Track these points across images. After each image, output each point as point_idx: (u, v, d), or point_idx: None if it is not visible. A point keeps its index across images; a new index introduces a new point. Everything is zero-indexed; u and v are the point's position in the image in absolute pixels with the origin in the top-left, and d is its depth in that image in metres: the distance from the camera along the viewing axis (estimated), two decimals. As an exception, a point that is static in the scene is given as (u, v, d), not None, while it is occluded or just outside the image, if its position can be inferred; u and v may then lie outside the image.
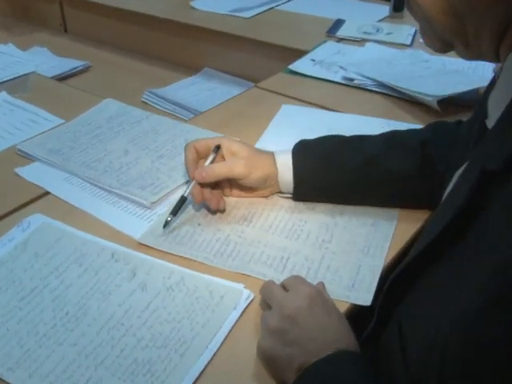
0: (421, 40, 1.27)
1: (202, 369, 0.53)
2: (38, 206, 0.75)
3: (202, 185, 0.70)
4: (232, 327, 0.57)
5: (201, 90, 1.34)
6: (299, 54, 1.20)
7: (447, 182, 0.56)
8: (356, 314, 0.59)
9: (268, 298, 0.57)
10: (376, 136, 0.75)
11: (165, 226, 0.68)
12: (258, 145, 0.83)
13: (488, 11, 0.43)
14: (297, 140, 0.75)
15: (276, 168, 0.72)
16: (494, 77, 0.53)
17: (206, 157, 0.73)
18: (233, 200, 0.75)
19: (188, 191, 0.70)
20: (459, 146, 0.63)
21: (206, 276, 0.63)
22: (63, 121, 0.96)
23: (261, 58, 1.30)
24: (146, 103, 1.22)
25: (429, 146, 0.72)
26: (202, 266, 0.65)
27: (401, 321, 0.48)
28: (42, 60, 1.29)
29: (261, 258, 0.66)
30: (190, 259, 0.66)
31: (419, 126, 0.83)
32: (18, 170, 0.82)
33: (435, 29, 0.48)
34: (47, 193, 0.78)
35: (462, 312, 0.39)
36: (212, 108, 1.03)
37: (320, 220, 0.72)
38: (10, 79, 1.13)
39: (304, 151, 0.73)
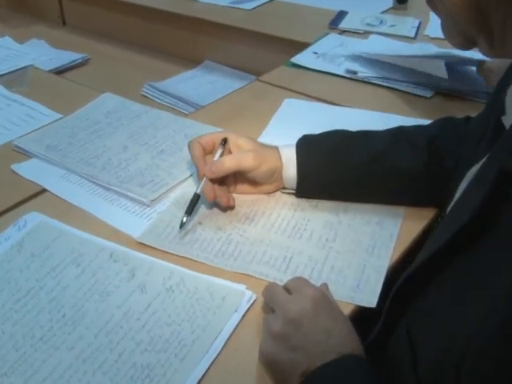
0: (425, 32, 1.26)
1: (202, 373, 0.52)
2: (35, 203, 0.74)
3: (213, 181, 0.69)
4: (233, 330, 0.56)
5: (201, 83, 1.32)
6: (301, 46, 1.18)
7: (458, 180, 0.54)
8: (360, 317, 0.58)
9: (271, 301, 0.56)
10: (382, 131, 0.74)
11: (181, 227, 0.66)
12: (261, 140, 0.81)
13: None
14: (300, 135, 0.73)
15: (281, 162, 0.70)
16: (508, 71, 0.51)
17: (211, 152, 0.72)
18: (234, 198, 0.73)
19: (200, 189, 0.68)
20: (469, 142, 0.62)
21: (207, 276, 0.62)
22: (61, 115, 0.94)
23: (262, 51, 1.28)
24: (146, 97, 1.21)
25: (436, 141, 0.71)
26: (203, 266, 0.63)
27: (410, 328, 0.47)
28: (39, 53, 1.27)
29: (263, 257, 0.64)
30: (191, 259, 0.64)
31: (425, 121, 0.81)
32: (15, 167, 0.80)
33: (458, 23, 0.46)
34: (44, 190, 0.76)
35: (479, 325, 0.37)
36: (213, 102, 1.01)
37: (324, 218, 0.71)
38: (7, 73, 1.12)
39: (308, 146, 0.72)
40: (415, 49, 1.15)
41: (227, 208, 0.70)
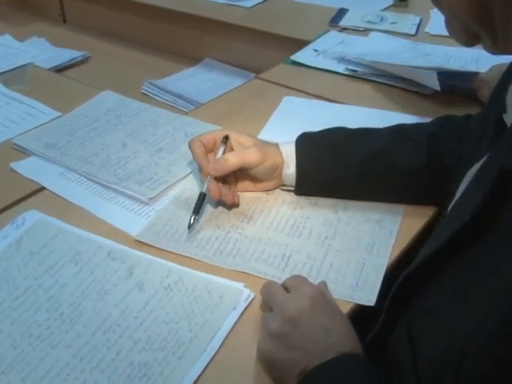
0: (425, 30, 1.25)
1: (200, 372, 0.52)
2: (34, 201, 0.73)
3: (216, 180, 0.69)
4: (231, 328, 0.56)
5: (202, 80, 1.32)
6: (301, 44, 1.18)
7: (459, 179, 0.54)
8: (359, 316, 0.58)
9: (269, 299, 0.56)
10: (382, 129, 0.74)
11: (189, 227, 0.66)
12: (260, 137, 0.81)
13: None
14: (299, 132, 0.73)
15: (282, 158, 0.70)
16: (510, 69, 0.50)
17: (212, 151, 0.72)
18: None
19: (205, 187, 0.68)
20: (470, 140, 0.61)
21: (205, 275, 0.62)
22: (60, 114, 0.94)
23: (262, 48, 1.27)
24: (146, 95, 1.21)
25: (436, 140, 0.70)
26: (201, 265, 0.63)
27: (410, 327, 0.46)
28: (39, 51, 1.26)
29: (262, 255, 0.64)
30: (189, 257, 0.64)
31: (425, 119, 0.81)
32: (14, 165, 0.80)
33: (461, 20, 0.45)
34: (43, 188, 0.76)
35: (479, 324, 0.37)
36: (213, 100, 1.01)
37: (323, 216, 0.70)
38: (6, 71, 1.11)
39: (307, 143, 0.71)
40: (414, 49, 1.14)
41: (232, 206, 0.70)
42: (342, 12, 1.35)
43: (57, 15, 1.61)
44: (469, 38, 0.46)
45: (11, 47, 1.24)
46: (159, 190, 0.74)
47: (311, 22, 1.30)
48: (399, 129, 0.73)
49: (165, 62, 1.39)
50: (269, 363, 0.51)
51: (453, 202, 0.52)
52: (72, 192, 0.74)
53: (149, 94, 1.21)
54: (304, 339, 0.49)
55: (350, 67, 1.07)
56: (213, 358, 0.53)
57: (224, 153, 0.70)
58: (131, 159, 0.80)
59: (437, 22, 1.28)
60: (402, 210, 0.71)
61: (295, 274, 0.59)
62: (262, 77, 1.07)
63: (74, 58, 1.32)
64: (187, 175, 0.77)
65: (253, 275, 0.62)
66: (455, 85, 0.97)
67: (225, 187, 0.70)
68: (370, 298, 0.59)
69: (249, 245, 0.66)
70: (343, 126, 0.74)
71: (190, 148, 0.72)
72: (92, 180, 0.76)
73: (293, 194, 0.74)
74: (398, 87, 1.01)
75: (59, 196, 0.74)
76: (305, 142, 0.71)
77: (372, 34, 1.24)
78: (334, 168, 0.70)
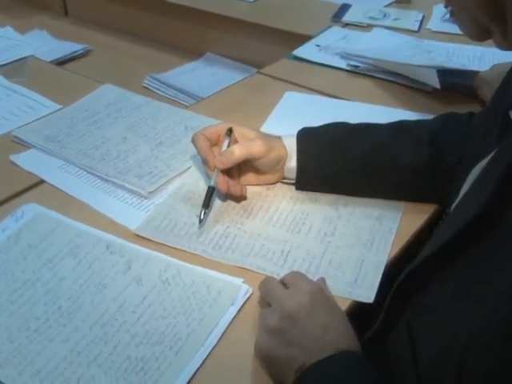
0: (427, 26, 1.24)
1: (197, 367, 0.51)
2: (33, 194, 0.73)
3: (222, 172, 0.69)
4: (229, 324, 0.55)
5: (203, 75, 1.31)
6: (304, 39, 1.17)
7: (461, 178, 0.54)
8: (358, 313, 0.57)
9: (267, 295, 0.55)
10: (384, 125, 0.73)
11: (200, 222, 0.66)
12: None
13: None
14: (299, 128, 0.73)
15: (286, 150, 0.70)
16: None
17: (216, 144, 0.72)
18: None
19: (213, 181, 0.68)
20: (472, 138, 0.61)
21: (204, 269, 0.61)
22: (61, 106, 0.93)
23: (264, 43, 1.26)
24: (148, 88, 1.20)
25: (439, 137, 0.70)
26: (200, 259, 0.63)
27: (411, 325, 0.46)
28: (40, 43, 1.26)
29: (260, 251, 0.64)
30: (188, 252, 0.64)
31: (427, 115, 0.81)
32: (13, 158, 0.79)
33: (470, 12, 0.44)
34: (42, 181, 0.76)
35: (482, 321, 0.37)
36: (214, 94, 1.00)
37: (323, 212, 0.70)
38: (7, 63, 1.10)
39: (308, 137, 0.71)
40: (416, 46, 1.13)
41: (240, 198, 0.70)
42: (344, 7, 1.34)
43: (58, 8, 1.61)
44: (480, 32, 0.45)
45: (12, 39, 1.23)
46: (159, 183, 0.73)
47: (314, 17, 1.30)
48: (401, 125, 0.73)
49: (166, 56, 1.39)
50: (267, 359, 0.51)
51: (457, 201, 0.51)
52: (71, 185, 0.74)
53: (150, 87, 1.20)
54: (302, 336, 0.49)
55: (352, 63, 1.06)
56: (210, 353, 0.53)
57: (229, 145, 0.70)
58: (131, 153, 0.80)
59: (439, 18, 1.27)
60: (402, 207, 0.71)
61: (294, 270, 0.59)
62: (263, 72, 1.06)
63: (75, 51, 1.31)
64: (187, 169, 0.77)
65: (251, 271, 0.61)
66: (457, 82, 0.96)
67: (231, 180, 0.70)
68: (368, 294, 0.59)
69: (248, 240, 0.65)
70: (345, 121, 0.74)
71: (193, 142, 0.71)
72: (92, 173, 0.76)
73: (293, 189, 0.73)
74: (399, 84, 1.00)
75: (58, 189, 0.74)
76: (305, 137, 0.71)
77: (375, 29, 1.23)
78: (334, 162, 0.69)
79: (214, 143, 0.72)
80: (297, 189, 0.73)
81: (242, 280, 0.60)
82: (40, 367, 0.51)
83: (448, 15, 0.57)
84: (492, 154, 0.47)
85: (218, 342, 0.54)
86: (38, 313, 0.56)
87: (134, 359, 0.52)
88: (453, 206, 0.52)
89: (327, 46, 1.13)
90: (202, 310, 0.56)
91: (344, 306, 0.57)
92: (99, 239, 0.65)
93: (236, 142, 0.71)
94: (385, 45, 1.13)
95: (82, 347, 0.53)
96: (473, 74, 0.94)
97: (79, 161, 0.78)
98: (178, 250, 0.64)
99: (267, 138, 0.70)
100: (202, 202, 0.67)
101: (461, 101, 0.93)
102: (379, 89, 0.99)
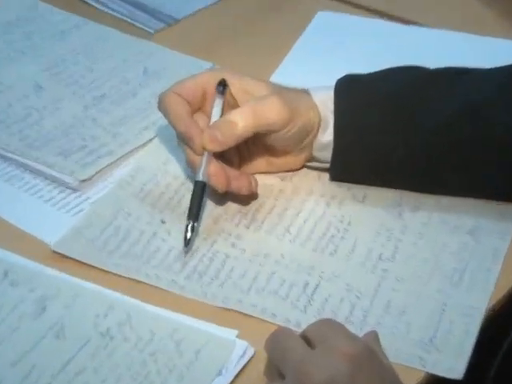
0: None
1: None
2: None
3: (215, 157, 0.62)
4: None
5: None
6: None
7: None
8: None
9: (279, 358, 0.47)
10: (486, 71, 0.64)
11: (187, 244, 0.57)
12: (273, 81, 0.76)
13: None
14: (339, 75, 0.65)
15: (319, 113, 0.62)
16: None
17: (200, 108, 0.64)
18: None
19: (202, 172, 0.60)
20: None
21: (172, 313, 0.54)
22: None
23: None
24: (87, 2, 1.01)
25: None
26: (165, 296, 0.55)
27: None
28: None
29: (269, 284, 0.57)
30: (144, 283, 0.56)
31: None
32: None
33: None
34: None
35: None
36: (196, 12, 0.88)
37: (376, 220, 0.63)
38: None
39: (356, 91, 0.64)
40: None
41: (247, 197, 0.63)
42: None
43: None
44: None
45: None
46: (98, 166, 0.66)
47: None
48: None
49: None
50: None
51: None
52: None
53: (90, 1, 1.06)
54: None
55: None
56: None
57: (223, 111, 0.62)
58: (50, 112, 0.72)
59: None
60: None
61: (325, 318, 0.52)
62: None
63: None
64: (146, 143, 0.69)
65: (252, 317, 0.54)
66: None
67: (231, 169, 0.63)
68: (454, 365, 0.51)
69: (248, 264, 0.59)
70: (413, 62, 0.66)
71: (161, 106, 0.64)
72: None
73: (326, 179, 0.66)
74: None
75: None
76: (351, 90, 0.63)
77: None
78: (397, 135, 0.61)
79: (197, 107, 0.64)
80: (333, 179, 0.66)
81: (237, 333, 0.53)
82: None
83: None
84: None
85: None
86: None
87: None
88: None
89: None
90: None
91: (411, 381, 0.49)
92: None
93: (234, 103, 0.64)
94: None
95: None
96: None
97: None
98: (129, 279, 0.57)
99: (287, 93, 0.63)
100: (188, 211, 0.60)
101: None
102: (468, 5, 0.90)
